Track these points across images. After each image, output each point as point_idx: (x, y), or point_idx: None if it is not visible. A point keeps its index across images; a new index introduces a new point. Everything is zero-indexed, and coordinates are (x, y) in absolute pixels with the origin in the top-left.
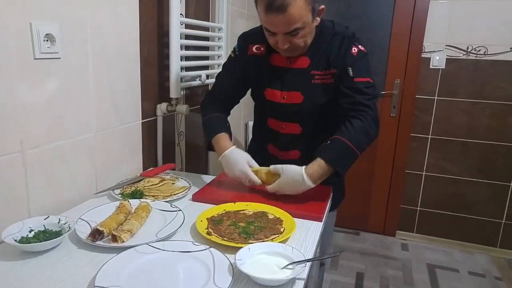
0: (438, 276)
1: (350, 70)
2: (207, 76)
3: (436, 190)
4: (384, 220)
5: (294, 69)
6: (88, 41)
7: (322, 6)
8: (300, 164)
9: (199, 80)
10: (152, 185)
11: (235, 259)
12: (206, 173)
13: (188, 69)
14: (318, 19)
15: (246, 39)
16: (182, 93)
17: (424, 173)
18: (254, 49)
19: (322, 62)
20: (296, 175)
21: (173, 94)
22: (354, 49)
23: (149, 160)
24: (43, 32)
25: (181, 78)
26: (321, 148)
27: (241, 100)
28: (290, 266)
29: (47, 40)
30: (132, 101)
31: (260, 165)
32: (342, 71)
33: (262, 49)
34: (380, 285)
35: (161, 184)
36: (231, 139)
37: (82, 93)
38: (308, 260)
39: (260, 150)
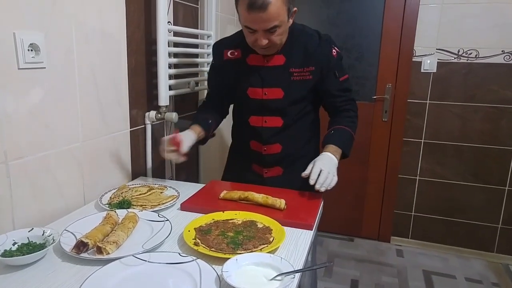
0: (435, 283)
1: (337, 73)
2: (196, 83)
3: (430, 195)
4: (379, 226)
5: (271, 67)
6: (74, 50)
7: (295, 9)
8: (281, 158)
9: (188, 87)
10: (140, 194)
11: (221, 271)
12: (197, 181)
13: (177, 76)
14: (291, 20)
15: (219, 45)
16: (171, 100)
17: (417, 178)
18: (229, 54)
19: (299, 59)
20: (323, 155)
21: (161, 102)
22: (334, 51)
23: (138, 169)
24: (27, 41)
25: (169, 86)
26: (331, 136)
27: None
28: (278, 278)
29: (31, 50)
30: (120, 109)
31: (245, 161)
32: (328, 72)
33: (236, 53)
34: None
35: (149, 193)
36: (205, 130)
37: (68, 102)
38: (297, 271)
39: (243, 148)
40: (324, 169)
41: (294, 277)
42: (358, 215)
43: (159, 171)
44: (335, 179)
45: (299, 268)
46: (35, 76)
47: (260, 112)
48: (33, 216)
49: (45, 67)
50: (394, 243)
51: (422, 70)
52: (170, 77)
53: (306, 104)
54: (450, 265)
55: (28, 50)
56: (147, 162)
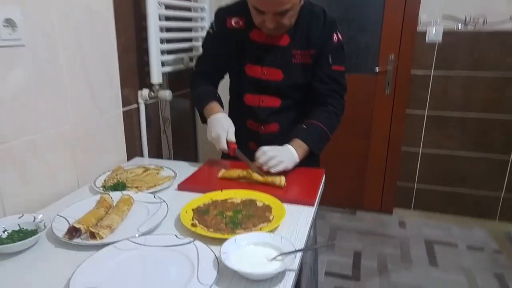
0: (436, 252)
1: (330, 58)
2: (191, 59)
3: (433, 166)
4: (381, 198)
5: (274, 46)
6: (56, 27)
7: None
8: (280, 137)
9: (182, 63)
10: (135, 176)
11: (220, 252)
12: (196, 160)
13: (169, 52)
14: (302, 1)
15: (223, 12)
16: (164, 78)
17: (420, 150)
18: (232, 22)
19: (303, 40)
20: (283, 146)
21: (154, 79)
22: (335, 37)
23: (133, 150)
24: (1, 17)
25: (162, 63)
26: (300, 130)
27: None
28: (279, 257)
29: (7, 26)
30: (111, 89)
31: (241, 139)
32: (321, 55)
33: (241, 23)
34: (378, 263)
35: (145, 174)
36: (221, 105)
37: (54, 83)
38: (298, 251)
39: (239, 126)
40: (273, 154)
41: (295, 257)
42: (360, 188)
43: (156, 151)
44: (283, 165)
45: (300, 247)
46: (13, 55)
47: (257, 90)
48: (24, 202)
49: (24, 45)
50: (396, 214)
51: (427, 40)
52: (163, 53)
53: (306, 90)
54: (451, 234)
55: (4, 26)
56: (142, 143)
